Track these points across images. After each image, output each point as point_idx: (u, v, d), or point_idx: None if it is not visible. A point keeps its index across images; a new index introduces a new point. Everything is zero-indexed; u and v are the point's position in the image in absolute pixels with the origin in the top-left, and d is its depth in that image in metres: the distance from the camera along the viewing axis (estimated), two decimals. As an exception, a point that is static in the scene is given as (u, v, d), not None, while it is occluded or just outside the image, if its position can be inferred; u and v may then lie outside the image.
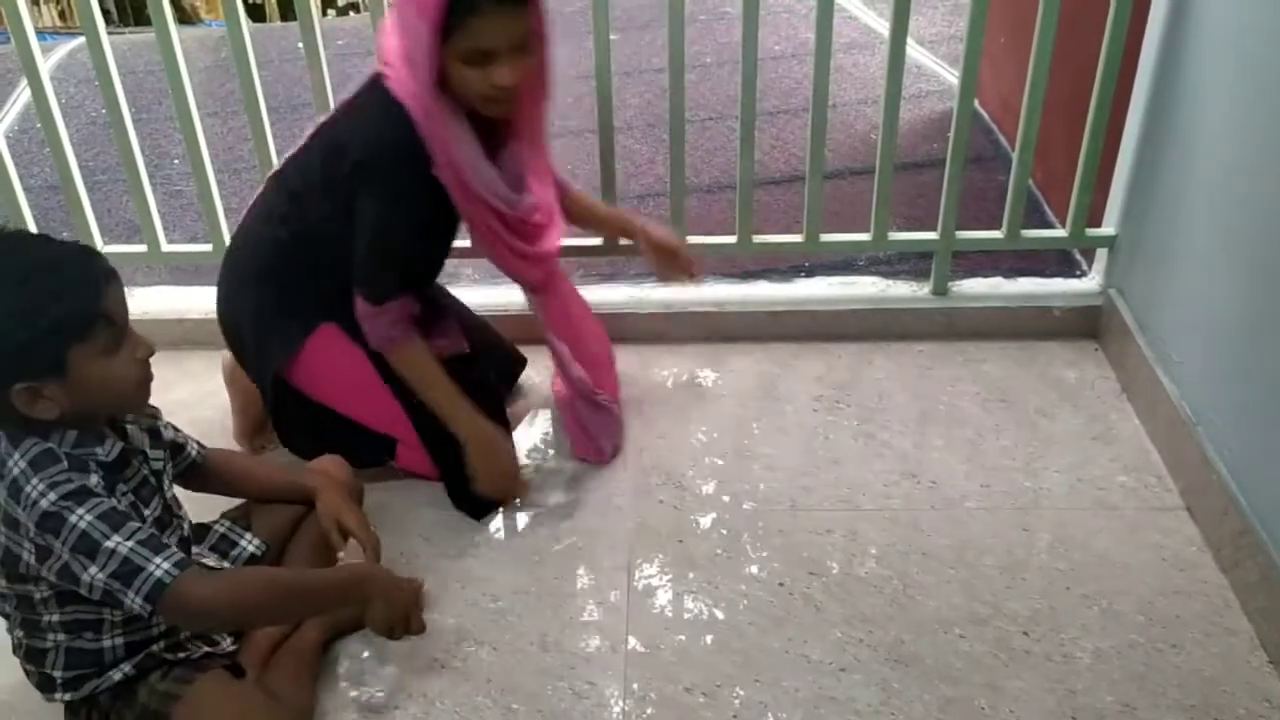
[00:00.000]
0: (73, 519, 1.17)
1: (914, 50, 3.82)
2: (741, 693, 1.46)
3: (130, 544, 1.17)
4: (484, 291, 2.32)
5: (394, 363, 1.72)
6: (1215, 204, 1.74)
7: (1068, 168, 2.17)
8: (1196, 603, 1.57)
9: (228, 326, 1.85)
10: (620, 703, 1.45)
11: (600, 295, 2.29)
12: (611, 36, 2.01)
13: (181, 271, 2.39)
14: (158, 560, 1.17)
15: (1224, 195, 1.71)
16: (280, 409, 1.80)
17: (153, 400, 2.10)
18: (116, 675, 1.32)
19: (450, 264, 2.53)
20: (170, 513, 1.38)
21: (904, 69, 2.03)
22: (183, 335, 2.22)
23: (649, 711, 1.44)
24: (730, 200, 2.28)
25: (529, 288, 1.89)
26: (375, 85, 1.62)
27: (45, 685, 1.34)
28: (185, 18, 9.05)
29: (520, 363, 2.11)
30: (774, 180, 3.01)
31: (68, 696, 1.33)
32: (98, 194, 2.51)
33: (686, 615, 1.59)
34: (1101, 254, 2.23)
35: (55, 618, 1.28)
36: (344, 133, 1.66)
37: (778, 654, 1.52)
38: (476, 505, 1.78)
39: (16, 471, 1.19)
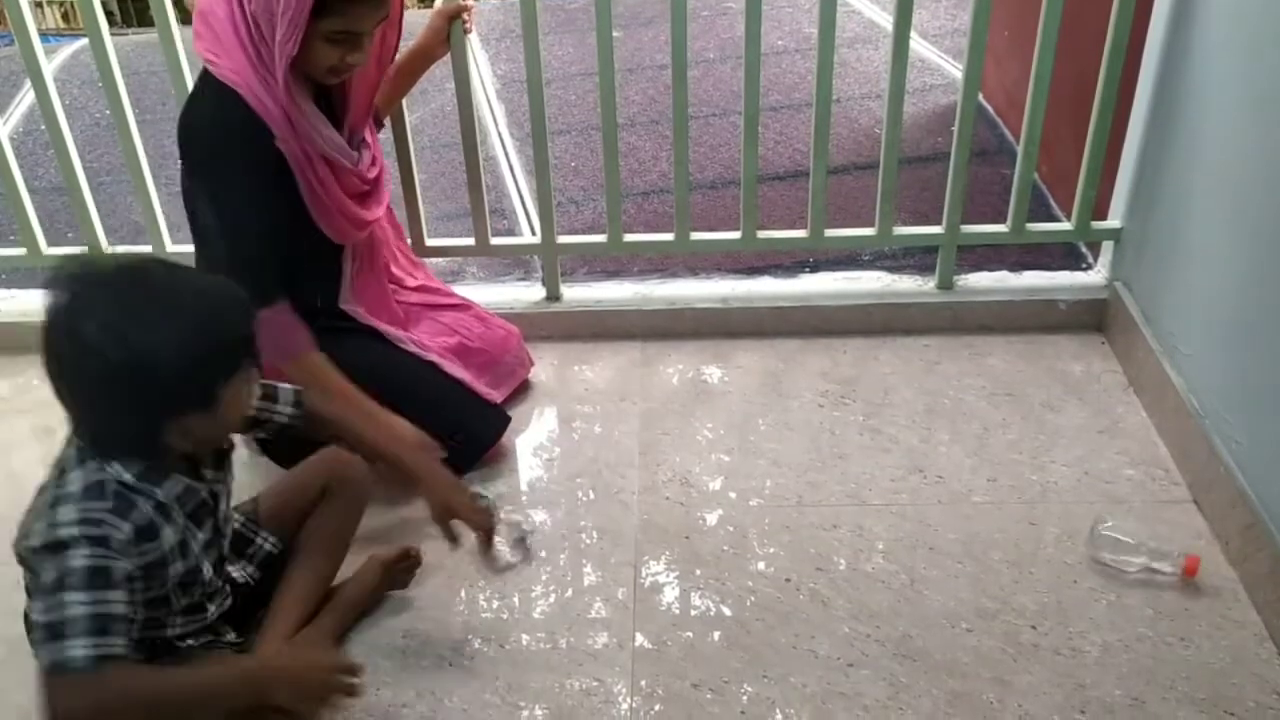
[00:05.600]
0: (72, 553, 1.14)
1: (918, 44, 3.82)
2: (749, 689, 1.46)
3: (88, 609, 1.13)
4: (486, 290, 2.32)
5: (292, 376, 1.61)
6: (1221, 195, 1.73)
7: (1073, 161, 2.16)
8: (1205, 596, 1.57)
9: None
10: (628, 699, 1.45)
11: (604, 292, 2.30)
12: (614, 33, 2.01)
13: (186, 272, 2.39)
14: (85, 641, 1.12)
15: (1230, 187, 1.70)
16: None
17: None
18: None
19: (453, 262, 2.56)
20: (218, 534, 1.36)
21: (908, 63, 2.02)
22: (188, 335, 2.22)
23: (656, 708, 1.44)
24: (734, 196, 2.28)
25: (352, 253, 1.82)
26: (203, 77, 1.60)
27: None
28: (188, 18, 9.04)
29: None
30: (778, 176, 3.01)
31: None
32: (102, 195, 2.51)
33: (693, 612, 1.59)
34: (1107, 247, 2.23)
35: None
36: (181, 134, 1.63)
37: (785, 650, 1.52)
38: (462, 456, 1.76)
39: (69, 489, 1.18)
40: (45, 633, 1.13)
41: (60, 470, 1.22)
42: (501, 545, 1.69)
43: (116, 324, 1.11)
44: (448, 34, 1.96)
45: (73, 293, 1.14)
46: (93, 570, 1.15)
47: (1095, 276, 2.25)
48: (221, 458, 1.36)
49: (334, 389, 1.65)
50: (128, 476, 1.20)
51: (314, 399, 1.49)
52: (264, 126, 1.57)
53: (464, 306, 2.01)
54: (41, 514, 1.19)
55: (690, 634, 1.55)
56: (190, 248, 2.23)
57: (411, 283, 2.00)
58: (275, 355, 1.62)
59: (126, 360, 1.11)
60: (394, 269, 1.97)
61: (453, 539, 1.56)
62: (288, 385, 1.46)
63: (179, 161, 1.65)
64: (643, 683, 1.48)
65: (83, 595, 1.13)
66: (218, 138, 1.59)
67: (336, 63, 1.57)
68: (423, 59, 1.97)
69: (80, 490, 1.18)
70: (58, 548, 1.15)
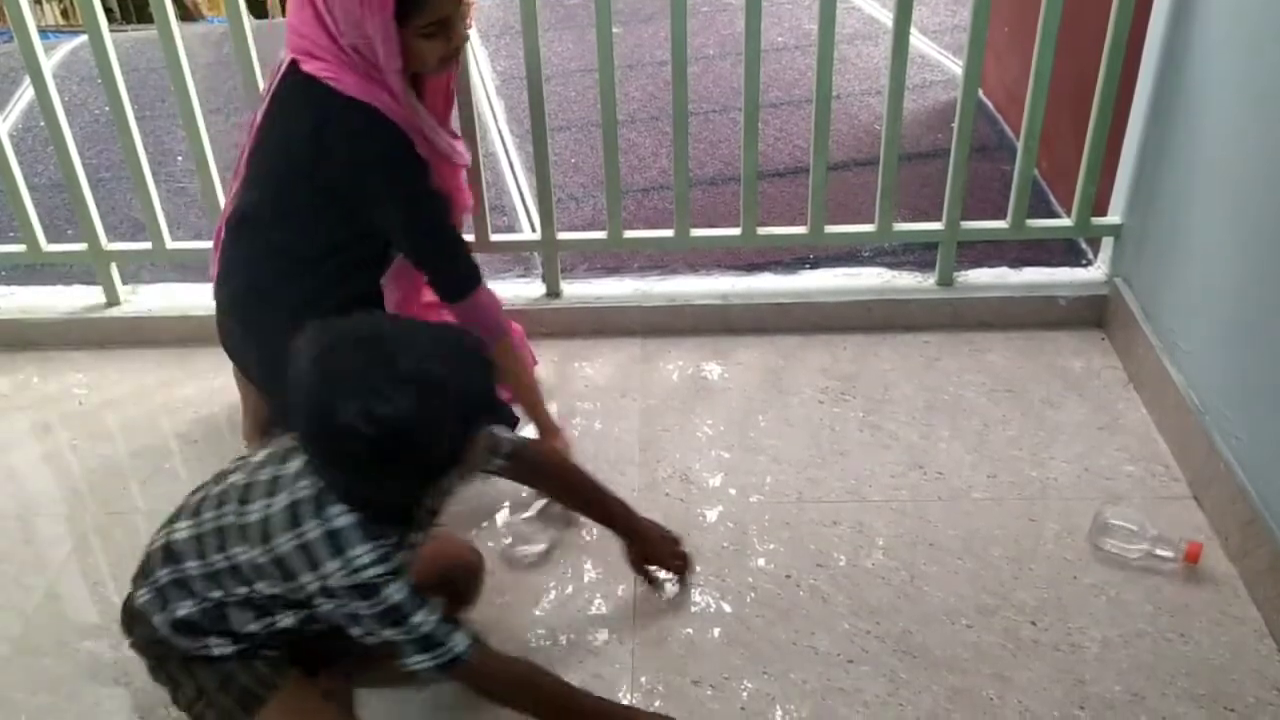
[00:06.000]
0: (388, 591, 1.18)
1: (918, 40, 3.82)
2: (749, 685, 1.46)
3: (432, 620, 1.20)
4: (491, 287, 2.31)
5: (499, 354, 1.68)
6: (1222, 191, 1.73)
7: (1073, 157, 2.16)
8: (1204, 591, 1.57)
9: (235, 357, 1.86)
10: (628, 695, 1.46)
11: (604, 289, 2.30)
12: (614, 29, 2.01)
13: (186, 269, 2.39)
14: (456, 637, 1.22)
15: (1230, 183, 1.70)
16: None
17: (158, 398, 2.13)
18: (217, 650, 1.30)
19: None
20: None
21: (908, 59, 2.02)
22: (188, 333, 2.22)
23: (656, 704, 1.44)
24: (734, 192, 2.27)
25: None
26: (311, 87, 1.58)
27: (136, 623, 1.32)
28: (187, 14, 9.03)
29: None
30: (778, 172, 3.01)
31: (166, 634, 1.29)
32: (101, 192, 2.51)
33: (694, 608, 1.59)
34: (1107, 243, 2.23)
35: (232, 599, 1.26)
36: (306, 151, 1.61)
37: (785, 646, 1.52)
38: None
39: (340, 525, 1.18)
40: (422, 648, 1.21)
41: (293, 508, 1.21)
42: (524, 548, 1.71)
43: (373, 405, 1.09)
44: None
45: (321, 372, 1.12)
46: (411, 592, 1.20)
47: (1095, 272, 2.25)
48: (436, 511, 1.36)
49: (524, 378, 1.81)
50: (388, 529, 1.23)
51: (530, 457, 1.49)
52: (405, 134, 1.61)
53: None
54: (310, 554, 1.19)
55: (690, 630, 1.55)
56: (192, 244, 2.26)
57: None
58: (490, 331, 1.73)
59: (387, 439, 1.10)
60: None
61: (652, 582, 1.61)
62: (509, 435, 1.46)
63: (289, 170, 1.64)
64: (643, 679, 1.48)
65: (421, 614, 1.20)
66: (388, 148, 1.61)
67: (443, 52, 1.59)
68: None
69: (357, 533, 1.19)
70: (370, 590, 1.18)
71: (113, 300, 2.32)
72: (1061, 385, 2.04)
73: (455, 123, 1.91)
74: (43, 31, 2.13)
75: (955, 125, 2.09)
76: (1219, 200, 1.74)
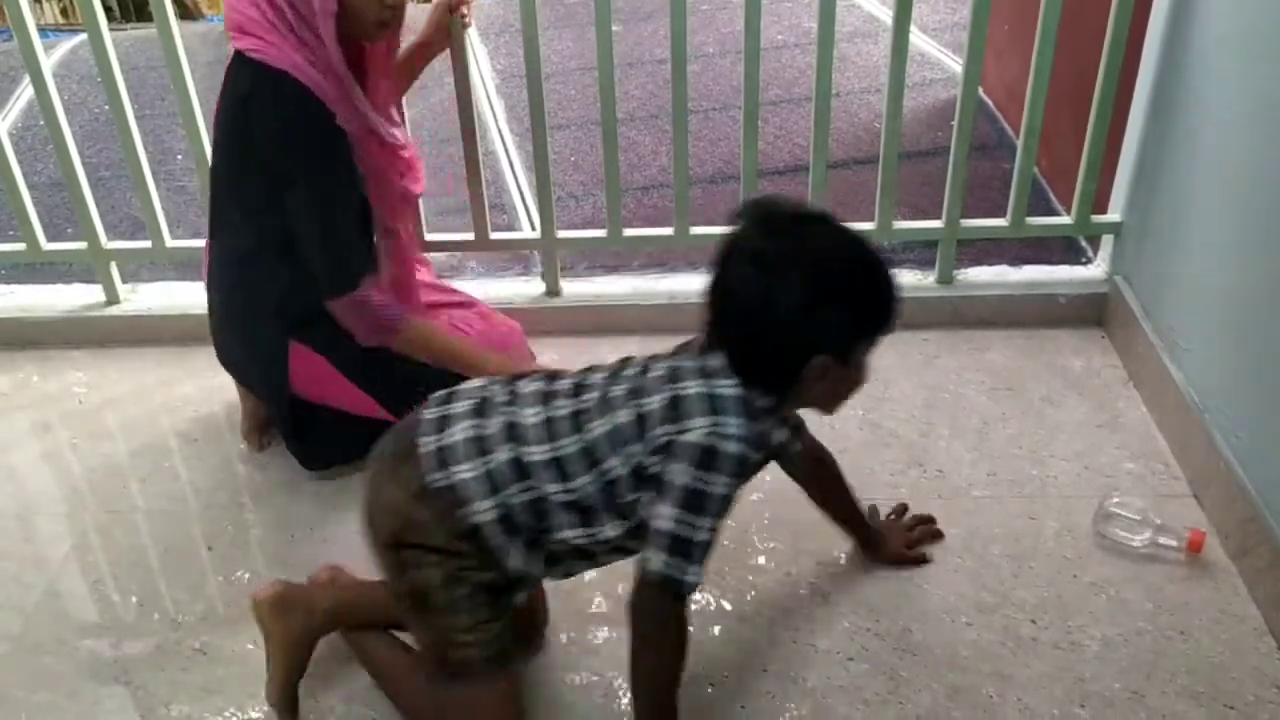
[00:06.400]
0: (720, 477, 1.16)
1: (918, 38, 3.82)
2: (749, 683, 1.46)
3: (710, 535, 1.18)
4: (486, 285, 2.32)
5: (402, 349, 1.69)
6: (1222, 189, 1.73)
7: (1073, 154, 2.16)
8: (1204, 589, 1.57)
9: (232, 370, 1.88)
10: (628, 694, 1.45)
11: (604, 287, 2.30)
12: (613, 28, 2.00)
13: (186, 267, 2.40)
14: (699, 569, 1.18)
15: (1230, 180, 1.70)
16: (302, 427, 1.81)
17: (158, 397, 2.13)
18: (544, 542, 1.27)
19: (452, 258, 2.56)
20: None
21: (908, 57, 2.02)
22: (187, 331, 2.22)
23: (657, 702, 1.44)
24: (734, 191, 2.27)
25: (389, 232, 1.80)
26: (243, 65, 1.58)
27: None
28: (186, 13, 9.02)
29: None
30: (778, 170, 3.01)
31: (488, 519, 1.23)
32: (101, 190, 2.51)
33: (694, 606, 1.59)
34: (1107, 241, 2.22)
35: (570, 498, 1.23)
36: (240, 133, 1.61)
37: (785, 644, 1.52)
38: None
39: (724, 392, 1.18)
40: (672, 544, 1.16)
41: (671, 377, 1.21)
42: None
43: (798, 269, 1.14)
44: (447, 28, 1.95)
45: (769, 234, 1.18)
46: (727, 499, 1.18)
47: (1095, 271, 2.25)
48: (796, 431, 1.40)
49: (446, 349, 1.70)
50: (766, 405, 1.21)
51: (805, 462, 1.51)
52: (323, 107, 1.57)
53: (466, 304, 2.00)
54: (679, 407, 1.18)
55: (690, 628, 1.55)
56: (192, 243, 2.26)
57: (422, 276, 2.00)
58: (375, 334, 1.68)
59: (808, 301, 1.14)
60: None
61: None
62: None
63: (233, 158, 1.64)
64: (643, 677, 1.48)
65: (712, 522, 1.17)
66: (289, 130, 1.58)
67: (378, 11, 1.57)
68: (422, 54, 1.97)
69: (737, 403, 1.18)
70: (709, 461, 1.16)
71: (112, 299, 2.32)
72: (1061, 383, 2.04)
73: (409, 129, 1.88)
74: (42, 30, 2.13)
75: (955, 123, 2.09)
76: (1219, 198, 1.74)
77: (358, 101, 1.62)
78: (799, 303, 1.14)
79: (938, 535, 1.68)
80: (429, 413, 1.30)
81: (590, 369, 1.31)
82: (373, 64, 1.70)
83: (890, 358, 2.13)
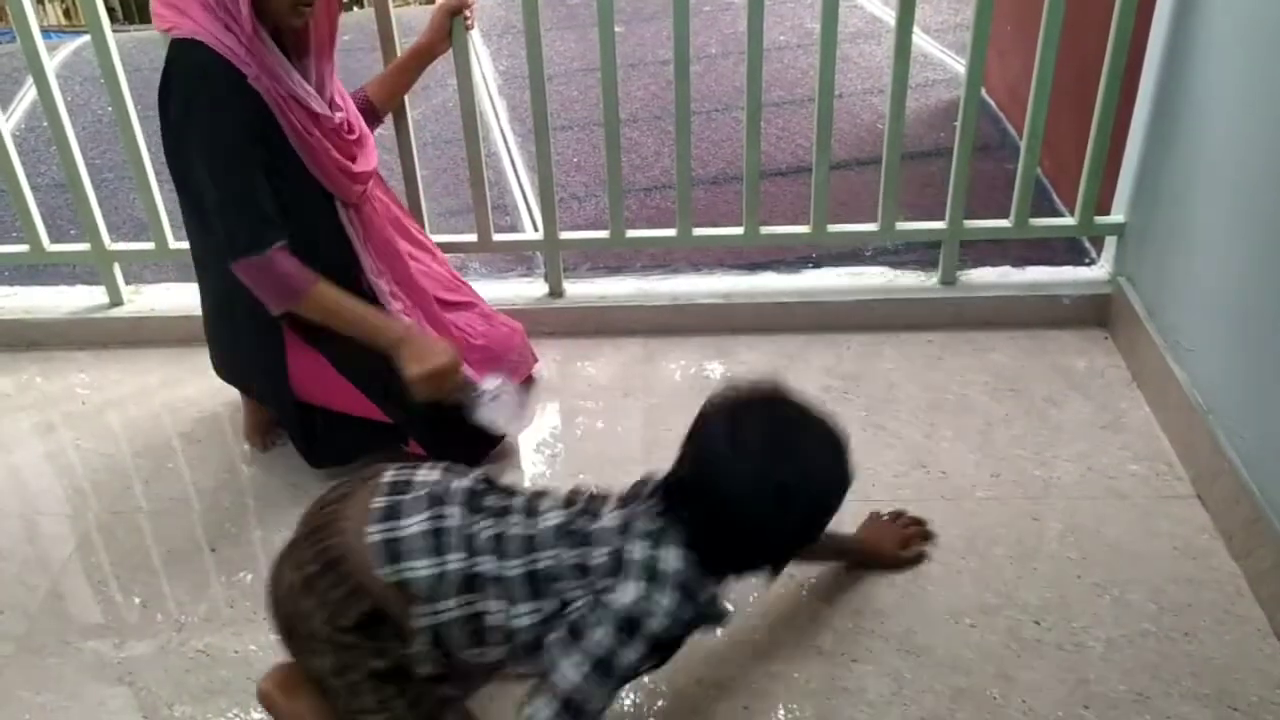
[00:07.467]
0: (632, 649, 1.15)
1: (920, 39, 3.81)
2: (753, 685, 1.46)
3: (606, 704, 1.17)
4: (489, 286, 2.32)
5: (307, 314, 1.65)
6: (1225, 189, 1.73)
7: (1076, 155, 2.16)
8: (1208, 591, 1.57)
9: (234, 380, 1.89)
10: (631, 695, 1.45)
11: (607, 288, 2.30)
12: (616, 29, 2.00)
13: (189, 268, 2.38)
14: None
15: (1234, 180, 1.70)
16: (308, 427, 1.81)
17: (161, 397, 2.13)
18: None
19: (455, 259, 2.55)
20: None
21: (910, 58, 2.02)
22: (191, 332, 2.22)
23: (660, 704, 1.44)
24: (737, 192, 2.27)
25: (348, 205, 1.78)
26: (169, 51, 1.59)
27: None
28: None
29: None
30: (780, 171, 3.01)
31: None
32: (104, 191, 2.52)
33: (697, 607, 1.59)
34: (1110, 242, 2.22)
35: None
36: (160, 104, 1.62)
37: (789, 645, 1.52)
38: (464, 452, 1.75)
39: (669, 569, 1.17)
40: (566, 705, 1.14)
41: (622, 530, 1.22)
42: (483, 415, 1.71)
43: (774, 479, 1.17)
44: (449, 30, 1.96)
45: (736, 442, 1.22)
46: (635, 668, 1.17)
47: (1098, 271, 2.25)
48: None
49: (353, 317, 1.68)
50: (712, 593, 1.21)
51: None
52: (232, 66, 1.56)
53: (468, 305, 2.01)
54: (619, 568, 1.18)
55: None
56: (189, 245, 2.26)
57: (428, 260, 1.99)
58: (280, 298, 1.64)
59: (789, 512, 1.17)
60: (407, 244, 1.94)
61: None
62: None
63: (168, 146, 1.65)
64: (646, 679, 1.47)
65: (614, 686, 1.17)
66: (191, 86, 1.57)
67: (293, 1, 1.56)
68: (425, 55, 1.97)
69: (682, 582, 1.17)
70: (633, 625, 1.15)
71: (115, 300, 2.32)
72: (1065, 384, 2.04)
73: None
74: (45, 31, 2.13)
75: (958, 124, 2.09)
76: (1222, 198, 1.74)
77: (276, 64, 1.60)
78: (782, 539, 1.20)
79: (928, 535, 1.68)
80: (376, 501, 1.24)
81: (540, 493, 1.30)
82: (317, 47, 1.68)
83: (894, 359, 2.13)
